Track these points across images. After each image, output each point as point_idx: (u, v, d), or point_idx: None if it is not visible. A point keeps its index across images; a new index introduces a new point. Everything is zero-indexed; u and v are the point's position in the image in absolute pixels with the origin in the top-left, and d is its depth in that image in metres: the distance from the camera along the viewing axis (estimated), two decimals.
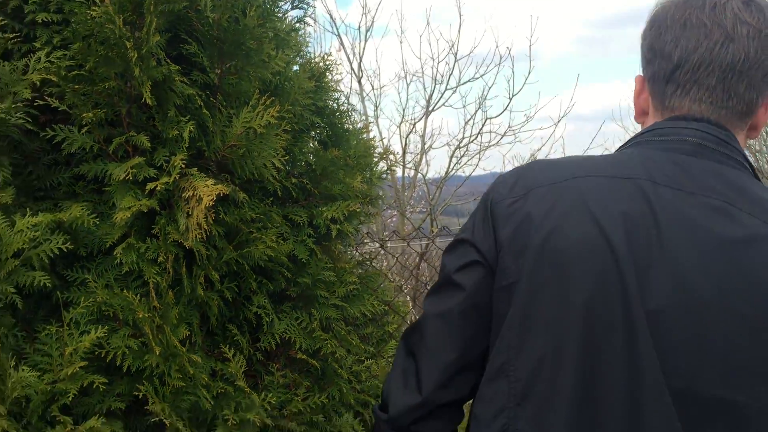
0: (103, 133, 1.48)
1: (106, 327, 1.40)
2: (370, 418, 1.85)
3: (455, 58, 7.32)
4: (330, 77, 2.06)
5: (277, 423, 1.63)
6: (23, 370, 1.31)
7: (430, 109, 7.60)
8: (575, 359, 0.93)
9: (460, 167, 7.64)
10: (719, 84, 1.00)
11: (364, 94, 7.41)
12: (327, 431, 1.76)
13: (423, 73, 8.62)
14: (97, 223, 1.45)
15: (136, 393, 1.40)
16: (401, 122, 7.56)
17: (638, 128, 1.16)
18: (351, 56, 7.28)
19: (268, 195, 1.74)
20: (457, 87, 7.47)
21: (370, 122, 7.10)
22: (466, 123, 7.45)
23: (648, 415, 0.90)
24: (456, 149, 7.54)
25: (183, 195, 1.44)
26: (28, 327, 1.43)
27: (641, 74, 1.14)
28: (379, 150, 2.07)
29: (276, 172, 1.65)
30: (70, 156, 1.52)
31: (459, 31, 8.37)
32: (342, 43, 7.23)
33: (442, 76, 7.48)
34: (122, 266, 1.45)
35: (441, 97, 7.52)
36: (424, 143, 7.77)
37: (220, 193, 1.40)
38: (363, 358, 1.90)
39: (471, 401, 1.14)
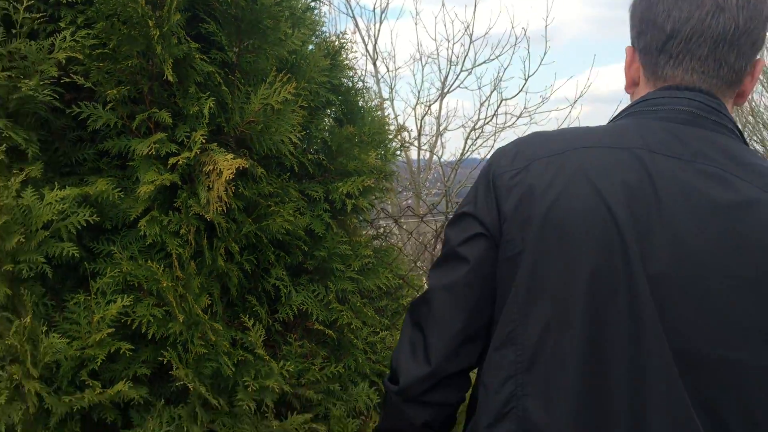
0: (127, 110, 1.53)
1: (132, 296, 1.45)
2: None
3: (470, 39, 7.33)
4: (345, 56, 2.10)
5: (295, 391, 1.69)
6: (53, 336, 1.37)
7: (445, 90, 7.61)
8: (581, 325, 0.97)
9: (476, 149, 7.66)
10: (711, 54, 1.03)
11: (379, 77, 7.44)
12: (343, 400, 1.81)
13: (438, 54, 8.60)
14: (122, 196, 1.50)
15: (161, 359, 1.46)
16: (416, 104, 7.59)
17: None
18: (366, 38, 7.32)
19: (285, 171, 1.79)
20: (472, 68, 7.48)
21: (385, 99, 7.12)
22: (482, 105, 7.47)
23: (651, 376, 0.93)
24: (471, 131, 7.56)
25: (204, 169, 1.49)
26: (56, 297, 1.49)
27: (631, 45, 1.16)
28: (394, 127, 2.11)
29: (293, 148, 1.70)
30: (95, 132, 1.57)
31: (474, 11, 8.37)
32: (357, 25, 7.26)
33: (458, 58, 7.49)
34: (146, 238, 1.50)
35: (456, 78, 7.54)
36: (439, 125, 7.79)
37: (239, 167, 1.45)
38: (378, 330, 1.95)
39: (476, 370, 1.18)
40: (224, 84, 1.59)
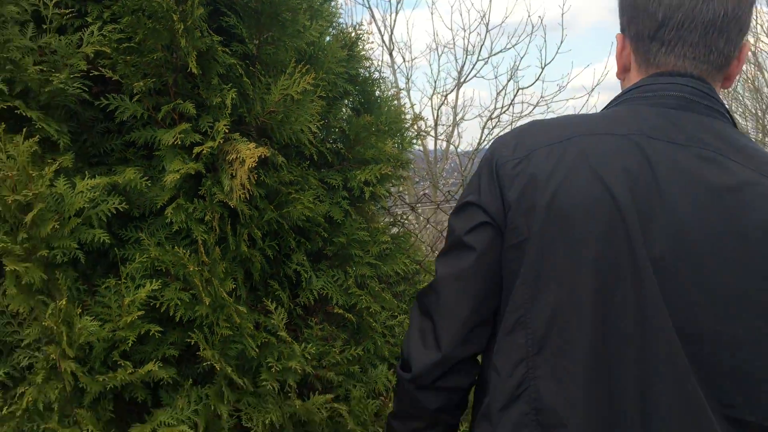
0: (152, 101, 1.59)
1: (159, 281, 1.52)
2: None
3: (487, 28, 7.35)
4: (361, 47, 2.15)
5: (316, 372, 1.74)
6: (86, 319, 1.44)
7: (462, 80, 7.62)
8: (588, 307, 1.00)
9: (493, 138, 7.66)
10: (701, 40, 1.05)
11: (396, 67, 7.46)
12: (363, 382, 1.87)
13: (454, 44, 8.62)
14: (149, 185, 1.56)
15: (188, 340, 1.52)
16: (433, 94, 7.62)
17: None
18: (382, 29, 7.34)
19: (305, 159, 1.84)
20: (488, 58, 7.49)
21: (401, 89, 7.15)
22: (498, 94, 7.48)
23: (657, 352, 0.97)
24: (488, 120, 7.57)
25: (227, 158, 1.55)
26: (87, 282, 1.56)
27: (621, 33, 1.18)
28: (410, 116, 2.16)
29: (312, 137, 1.75)
30: (121, 124, 1.63)
31: (490, 0, 8.33)
32: (373, 16, 7.29)
33: (474, 47, 7.52)
34: (172, 225, 1.56)
35: (472, 68, 7.55)
36: (455, 115, 7.81)
37: (261, 155, 1.50)
38: (396, 314, 2.00)
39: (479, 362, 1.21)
40: (245, 75, 1.64)
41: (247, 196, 1.55)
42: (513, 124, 7.53)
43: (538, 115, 7.87)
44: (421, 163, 7.77)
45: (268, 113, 1.66)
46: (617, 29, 1.19)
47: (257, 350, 1.60)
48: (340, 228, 1.87)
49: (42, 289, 1.42)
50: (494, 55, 7.51)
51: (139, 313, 1.46)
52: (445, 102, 7.66)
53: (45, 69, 1.47)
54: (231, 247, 1.61)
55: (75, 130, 1.60)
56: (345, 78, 2.01)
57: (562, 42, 8.41)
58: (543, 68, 7.27)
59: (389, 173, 1.95)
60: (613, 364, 0.99)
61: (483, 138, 7.59)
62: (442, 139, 7.85)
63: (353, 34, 2.08)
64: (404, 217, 2.71)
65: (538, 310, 1.05)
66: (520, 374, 1.06)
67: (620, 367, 0.99)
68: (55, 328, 1.36)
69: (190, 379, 1.58)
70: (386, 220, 2.27)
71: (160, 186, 1.57)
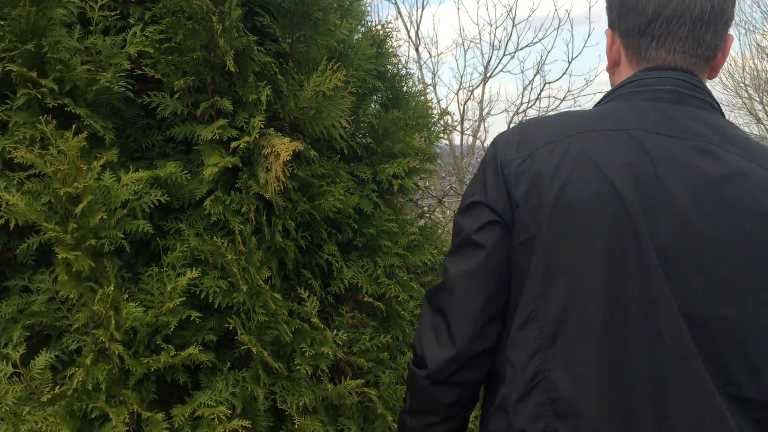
0: (191, 98, 1.67)
1: (199, 269, 1.60)
2: None
3: (513, 22, 7.34)
4: (390, 44, 2.21)
5: (347, 358, 1.81)
6: (131, 305, 1.52)
7: (488, 75, 7.63)
8: (598, 299, 1.04)
9: None
10: (690, 34, 1.09)
11: (422, 62, 7.50)
12: (392, 368, 1.93)
13: (480, 39, 8.64)
14: (188, 178, 1.64)
15: (226, 326, 1.60)
16: (459, 89, 7.64)
17: None
18: (408, 24, 7.38)
19: (336, 153, 1.91)
20: (515, 52, 7.49)
21: (428, 84, 7.19)
22: (524, 88, 7.47)
23: (666, 340, 1.02)
24: (514, 115, 7.57)
25: (262, 152, 1.62)
26: (131, 270, 1.65)
27: (609, 28, 1.21)
28: (437, 111, 2.21)
29: (343, 132, 1.82)
30: (162, 120, 1.72)
31: None
32: (399, 11, 7.33)
33: (500, 42, 7.53)
34: (210, 217, 1.64)
35: (499, 63, 7.57)
36: (482, 110, 7.82)
37: (295, 149, 1.57)
38: None
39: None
40: (279, 73, 1.71)
41: (282, 188, 1.62)
42: None
43: (565, 109, 7.85)
44: (448, 158, 7.81)
45: (301, 109, 1.73)
46: None
47: (291, 336, 1.67)
48: (370, 220, 1.94)
49: (90, 276, 1.51)
50: (521, 49, 7.53)
51: (181, 299, 1.54)
52: (472, 97, 7.69)
53: (92, 68, 1.56)
54: (266, 237, 1.68)
55: (118, 126, 1.68)
56: (374, 74, 2.07)
57: (589, 35, 8.39)
58: (570, 62, 7.26)
59: (417, 166, 2.01)
60: (624, 352, 1.03)
61: None
62: (469, 134, 7.88)
63: (382, 32, 2.14)
64: (431, 210, 2.77)
65: (550, 303, 1.08)
66: (535, 366, 1.09)
67: (631, 355, 1.03)
68: (103, 312, 1.44)
69: (228, 363, 1.66)
70: (414, 212, 2.33)
71: (198, 179, 1.65)
